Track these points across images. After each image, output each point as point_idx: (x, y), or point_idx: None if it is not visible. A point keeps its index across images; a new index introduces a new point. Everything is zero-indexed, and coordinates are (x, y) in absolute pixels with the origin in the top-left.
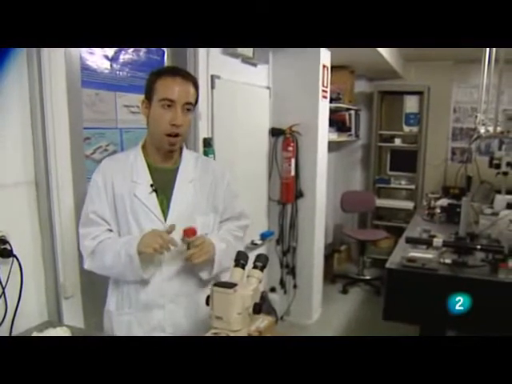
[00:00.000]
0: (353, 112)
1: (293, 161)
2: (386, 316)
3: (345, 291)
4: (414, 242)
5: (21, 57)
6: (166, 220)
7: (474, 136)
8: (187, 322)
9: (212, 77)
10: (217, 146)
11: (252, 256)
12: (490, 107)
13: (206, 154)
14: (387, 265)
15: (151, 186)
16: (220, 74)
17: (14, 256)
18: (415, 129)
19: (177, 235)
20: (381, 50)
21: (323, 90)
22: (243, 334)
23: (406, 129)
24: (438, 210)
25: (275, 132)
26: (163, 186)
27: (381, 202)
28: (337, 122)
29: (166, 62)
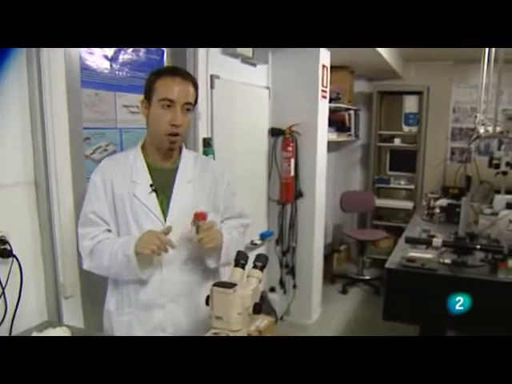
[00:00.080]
0: (352, 112)
1: (292, 161)
2: (385, 316)
3: (344, 291)
4: (413, 241)
5: (20, 57)
6: (165, 220)
7: (473, 136)
8: (187, 322)
9: (211, 77)
10: (216, 145)
11: (252, 256)
12: (489, 107)
13: (205, 153)
14: (387, 265)
15: (151, 185)
16: (219, 73)
17: (14, 256)
18: (415, 129)
19: (174, 236)
20: (380, 50)
21: (323, 90)
22: (243, 333)
23: (406, 129)
24: (438, 210)
25: (275, 132)
26: (163, 186)
27: (380, 202)
28: (336, 122)
29: (166, 61)
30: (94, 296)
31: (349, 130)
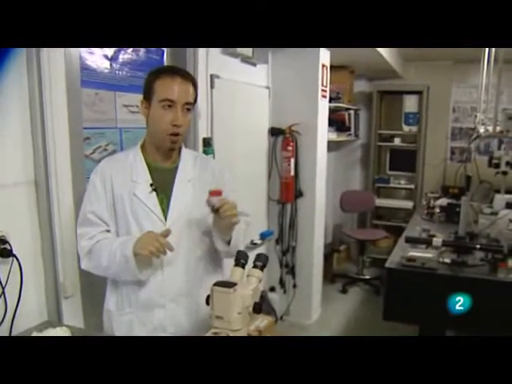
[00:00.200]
0: (352, 112)
1: (292, 160)
2: (385, 316)
3: (344, 291)
4: (413, 241)
5: (20, 57)
6: (166, 219)
7: (473, 135)
8: (188, 321)
9: (211, 76)
10: (216, 145)
11: (252, 255)
12: (489, 107)
13: (205, 153)
14: (387, 264)
15: (151, 185)
16: (219, 73)
17: (14, 256)
18: (414, 128)
19: (173, 238)
20: (380, 49)
21: (323, 90)
22: (243, 333)
23: (406, 128)
24: (438, 210)
25: (275, 132)
26: (163, 186)
27: (380, 202)
28: (336, 121)
29: (166, 61)
30: (94, 296)
31: (349, 129)
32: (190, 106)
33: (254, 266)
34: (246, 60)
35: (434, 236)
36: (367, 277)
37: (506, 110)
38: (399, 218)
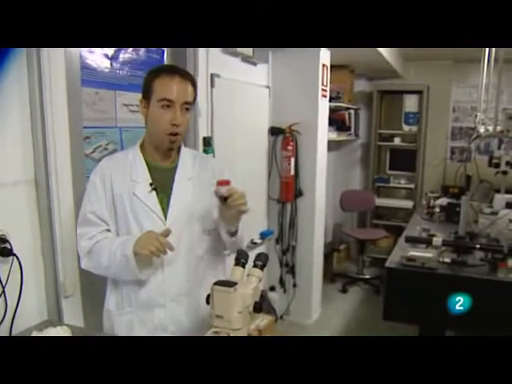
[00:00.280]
0: (352, 111)
1: (292, 160)
2: (385, 316)
3: (344, 290)
4: (413, 241)
5: (21, 56)
6: (166, 218)
7: (473, 135)
8: (188, 320)
9: (212, 75)
10: (216, 144)
11: (252, 255)
12: (489, 106)
13: (205, 152)
14: (387, 264)
15: (150, 184)
16: (220, 72)
17: (14, 255)
18: (415, 128)
19: (173, 237)
20: (380, 49)
21: (323, 89)
22: (243, 332)
23: (406, 128)
24: (438, 209)
25: (275, 131)
26: (162, 185)
27: (380, 201)
28: (336, 121)
29: (166, 60)
30: (94, 295)
31: (349, 129)
32: (189, 105)
33: (255, 266)
34: (246, 59)
35: (433, 236)
36: (367, 276)
37: (506, 110)
38: (399, 218)
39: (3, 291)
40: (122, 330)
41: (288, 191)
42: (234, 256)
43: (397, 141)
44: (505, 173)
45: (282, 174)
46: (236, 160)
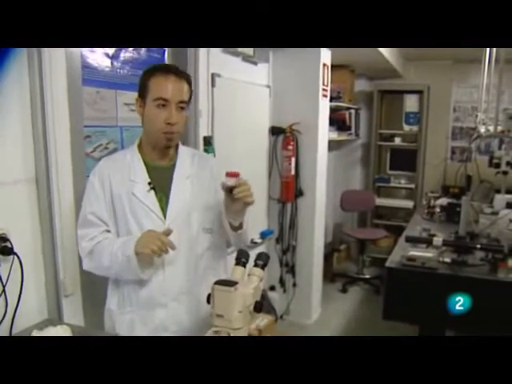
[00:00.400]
0: (353, 111)
1: (293, 159)
2: (385, 315)
3: (344, 290)
4: (413, 241)
5: (21, 56)
6: (165, 217)
7: (474, 135)
8: (189, 320)
9: (212, 75)
10: (217, 144)
11: (252, 254)
12: (490, 106)
13: (206, 152)
14: (387, 264)
15: (149, 184)
16: (220, 72)
17: (15, 254)
18: (415, 128)
19: (173, 236)
20: (381, 49)
21: (323, 89)
22: (244, 332)
23: (406, 128)
24: (438, 209)
25: (275, 131)
26: (161, 184)
27: (380, 201)
28: (337, 120)
29: (167, 60)
30: (94, 294)
31: (349, 128)
32: (185, 104)
33: (255, 265)
34: (247, 59)
35: (434, 235)
36: (367, 276)
37: (506, 110)
38: (399, 218)
39: (4, 290)
40: (123, 330)
41: (288, 191)
42: (234, 255)
43: (397, 141)
44: (505, 173)
45: (282, 173)
46: (236, 159)
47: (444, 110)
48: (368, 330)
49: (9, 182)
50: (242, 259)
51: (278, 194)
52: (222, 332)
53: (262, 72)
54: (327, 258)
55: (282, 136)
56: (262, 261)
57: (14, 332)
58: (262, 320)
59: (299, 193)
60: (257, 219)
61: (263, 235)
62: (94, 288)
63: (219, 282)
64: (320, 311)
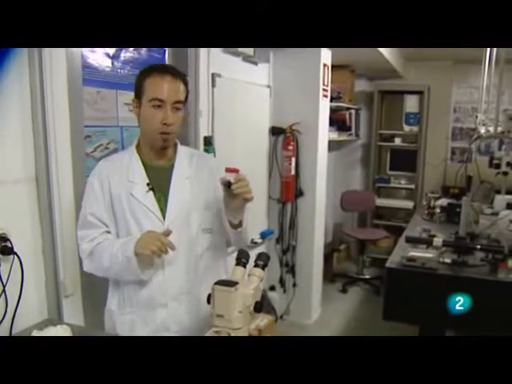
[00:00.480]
0: (353, 111)
1: (293, 160)
2: (385, 316)
3: (344, 290)
4: (413, 241)
5: (22, 56)
6: (164, 218)
7: (474, 136)
8: (189, 319)
9: (213, 75)
10: (217, 144)
11: (252, 254)
12: (490, 107)
13: (206, 152)
14: (387, 264)
15: (148, 184)
16: (221, 72)
17: (15, 253)
18: (415, 128)
19: (172, 237)
20: (381, 49)
21: (324, 89)
22: (244, 332)
23: (406, 128)
24: (438, 210)
25: (275, 131)
26: (160, 184)
27: (380, 202)
28: (337, 121)
29: (167, 60)
30: (94, 294)
31: (349, 129)
32: (181, 104)
33: (256, 265)
34: (247, 59)
35: (434, 236)
36: (367, 276)
37: (507, 111)
38: (399, 218)
39: (4, 290)
40: (123, 330)
41: (288, 191)
42: (234, 255)
43: (397, 141)
44: (505, 174)
45: (282, 173)
46: (237, 159)
47: (444, 111)
48: (368, 330)
49: (9, 181)
50: (242, 259)
51: (278, 194)
52: (223, 332)
53: (263, 72)
54: (327, 258)
55: (282, 136)
56: (263, 261)
57: (14, 332)
58: (262, 320)
59: (299, 193)
60: (257, 219)
61: (263, 235)
62: (94, 288)
63: (219, 282)
64: (320, 311)
